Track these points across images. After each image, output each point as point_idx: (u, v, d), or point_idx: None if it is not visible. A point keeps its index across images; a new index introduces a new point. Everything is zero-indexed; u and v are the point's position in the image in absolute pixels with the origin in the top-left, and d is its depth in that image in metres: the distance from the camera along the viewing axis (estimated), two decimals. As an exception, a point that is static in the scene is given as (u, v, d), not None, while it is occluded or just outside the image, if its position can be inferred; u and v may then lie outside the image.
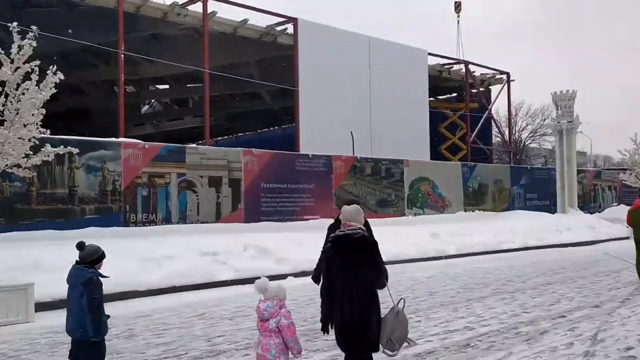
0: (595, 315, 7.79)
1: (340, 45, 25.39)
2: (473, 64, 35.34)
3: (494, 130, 44.99)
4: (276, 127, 38.80)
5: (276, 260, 12.24)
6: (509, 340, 6.50)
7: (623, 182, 26.37)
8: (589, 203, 31.70)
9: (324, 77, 24.47)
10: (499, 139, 49.03)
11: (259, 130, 39.18)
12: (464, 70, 34.96)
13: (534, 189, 28.41)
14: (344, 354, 4.24)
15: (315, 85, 24.07)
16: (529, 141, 61.67)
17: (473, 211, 24.57)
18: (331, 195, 19.67)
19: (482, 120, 35.59)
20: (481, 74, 37.59)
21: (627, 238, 21.41)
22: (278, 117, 35.53)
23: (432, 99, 37.46)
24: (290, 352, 4.09)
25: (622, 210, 27.96)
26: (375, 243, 4.22)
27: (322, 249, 5.97)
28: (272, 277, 5.01)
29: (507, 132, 43.53)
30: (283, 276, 11.10)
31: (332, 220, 6.65)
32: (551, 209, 26.48)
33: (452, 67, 35.37)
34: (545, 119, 54.19)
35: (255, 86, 28.82)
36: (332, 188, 19.86)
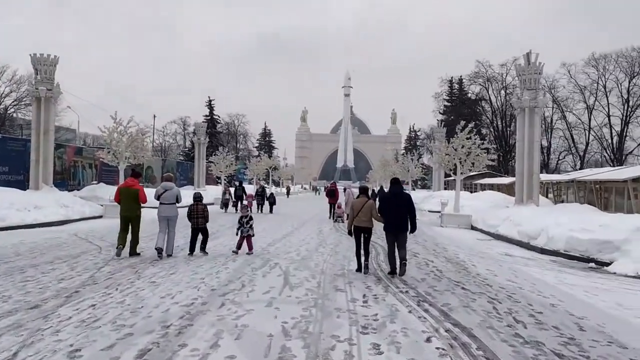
0: (28, 321, 6.04)
1: None
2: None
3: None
4: None
5: None
6: None
7: (102, 159, 25.98)
8: (68, 180, 30.31)
9: None
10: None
11: None
12: None
13: (6, 161, 24.88)
14: None
15: None
16: (13, 110, 55.96)
17: None
18: None
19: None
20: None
21: (102, 217, 21.11)
22: None
23: None
24: None
25: (103, 189, 27.88)
26: None
27: None
28: None
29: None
30: None
31: None
32: (25, 184, 23.67)
33: None
34: (32, 88, 49.98)
35: None
36: None
